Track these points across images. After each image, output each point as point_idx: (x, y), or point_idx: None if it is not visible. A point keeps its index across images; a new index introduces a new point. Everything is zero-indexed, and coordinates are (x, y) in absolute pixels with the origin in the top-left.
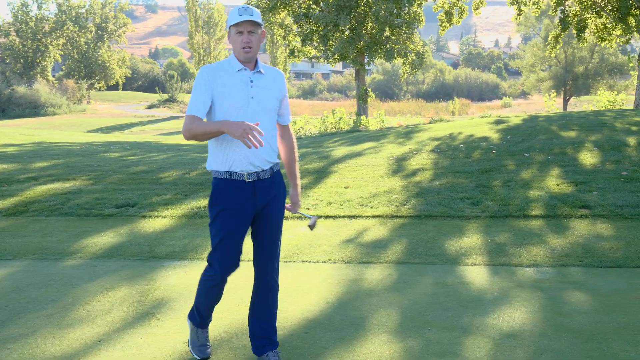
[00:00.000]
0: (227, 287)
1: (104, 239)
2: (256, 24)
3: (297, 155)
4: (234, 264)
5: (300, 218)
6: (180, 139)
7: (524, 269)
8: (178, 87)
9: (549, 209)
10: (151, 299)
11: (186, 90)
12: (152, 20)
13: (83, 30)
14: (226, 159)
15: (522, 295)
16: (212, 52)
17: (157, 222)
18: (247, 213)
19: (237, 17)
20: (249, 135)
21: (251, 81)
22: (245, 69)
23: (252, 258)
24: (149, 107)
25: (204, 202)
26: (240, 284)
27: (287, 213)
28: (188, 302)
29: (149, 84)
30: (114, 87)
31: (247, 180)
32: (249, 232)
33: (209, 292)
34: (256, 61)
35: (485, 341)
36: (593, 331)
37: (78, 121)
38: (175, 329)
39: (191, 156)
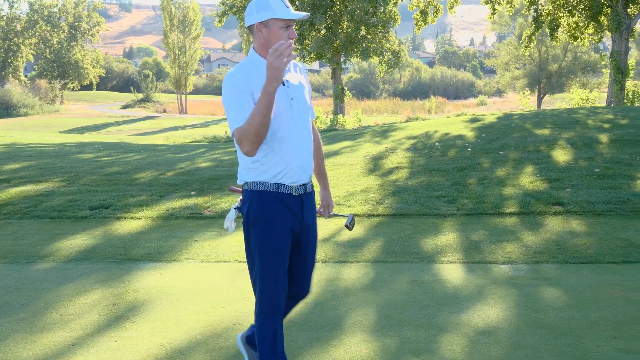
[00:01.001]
0: (203, 287)
1: (78, 242)
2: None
3: (323, 152)
4: (285, 291)
5: (332, 216)
6: (155, 139)
7: (499, 266)
8: (153, 87)
9: (523, 206)
10: (126, 302)
11: (161, 89)
12: (126, 19)
13: (56, 30)
14: (274, 169)
15: (497, 292)
16: (187, 51)
17: (131, 224)
18: (294, 231)
19: (286, 10)
20: (282, 53)
21: (286, 80)
22: None
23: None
24: (124, 107)
25: (179, 203)
26: (216, 285)
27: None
28: (163, 304)
29: (124, 84)
30: (88, 87)
31: (294, 194)
32: None
33: (275, 338)
34: None
35: (460, 338)
36: (566, 327)
37: (51, 122)
38: (150, 332)
39: (166, 156)
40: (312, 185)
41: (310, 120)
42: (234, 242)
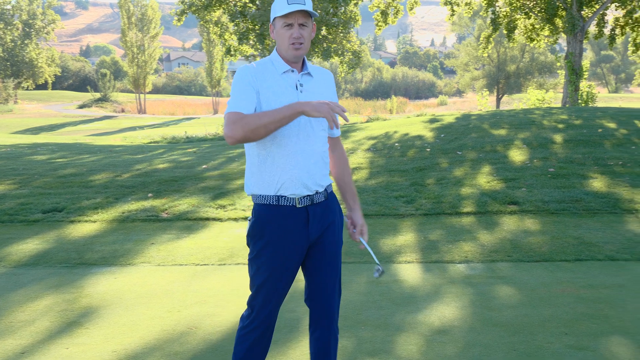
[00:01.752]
0: (159, 292)
1: (29, 246)
2: (308, 15)
3: (350, 170)
4: (278, 309)
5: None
6: (113, 140)
7: (456, 265)
8: (111, 86)
9: (480, 206)
10: (78, 308)
11: (119, 89)
12: (82, 17)
13: (9, 28)
14: (273, 179)
15: (453, 291)
16: (146, 49)
17: (86, 227)
18: (299, 246)
19: (286, 7)
20: (334, 111)
21: (300, 84)
22: (293, 71)
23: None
24: (81, 107)
25: (135, 206)
26: (173, 289)
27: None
28: (117, 309)
29: (80, 83)
30: (43, 87)
31: (298, 206)
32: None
33: (253, 348)
34: (303, 61)
35: (417, 338)
36: (519, 324)
37: (4, 122)
38: (103, 338)
39: (123, 158)
40: (325, 194)
41: (324, 133)
42: (191, 245)
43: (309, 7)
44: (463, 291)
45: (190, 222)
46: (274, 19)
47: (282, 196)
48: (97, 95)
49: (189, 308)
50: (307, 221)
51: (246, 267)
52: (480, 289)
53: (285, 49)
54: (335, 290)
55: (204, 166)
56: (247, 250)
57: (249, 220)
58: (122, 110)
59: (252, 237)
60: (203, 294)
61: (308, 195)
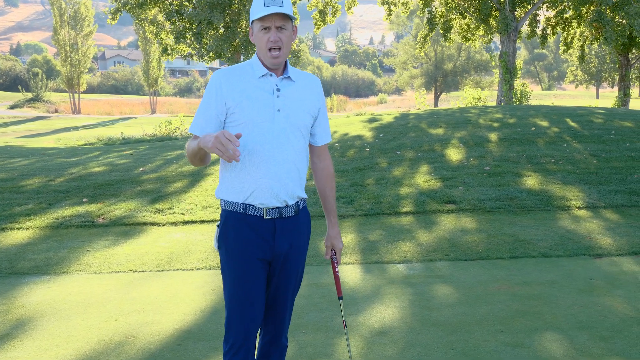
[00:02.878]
0: (95, 300)
1: None
2: (287, 18)
3: (334, 184)
4: (255, 325)
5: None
6: (46, 142)
7: (395, 266)
8: (43, 86)
9: (419, 205)
10: (10, 319)
11: (52, 88)
12: (12, 15)
13: None
14: (242, 187)
15: (392, 291)
16: (79, 48)
17: (17, 235)
18: (263, 258)
19: (262, 9)
20: (223, 146)
21: (278, 89)
22: (271, 75)
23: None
24: (12, 107)
25: (70, 211)
26: (109, 297)
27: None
28: (52, 320)
29: (11, 83)
30: None
31: (265, 217)
32: None
33: None
34: (285, 64)
35: (357, 340)
36: (457, 323)
37: None
38: (37, 351)
39: (57, 161)
40: (296, 209)
41: (303, 141)
42: (128, 252)
43: (287, 9)
44: (402, 291)
45: (127, 228)
46: (252, 22)
47: (250, 205)
48: (29, 95)
49: (127, 317)
50: (273, 234)
51: (185, 273)
52: (419, 288)
53: (263, 53)
54: (292, 306)
55: (141, 169)
56: (186, 255)
57: (218, 225)
58: (56, 111)
59: (220, 244)
60: (141, 302)
61: (277, 207)
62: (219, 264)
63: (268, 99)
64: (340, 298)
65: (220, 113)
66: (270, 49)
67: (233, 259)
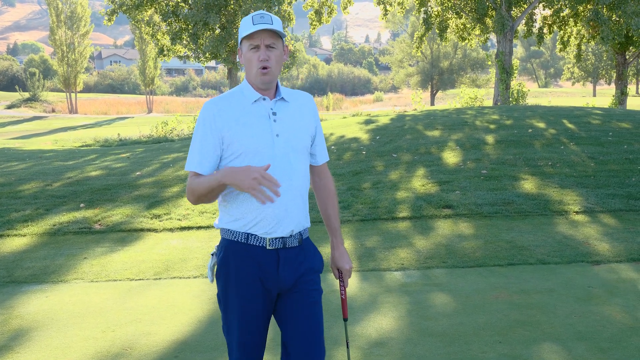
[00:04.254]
0: (92, 310)
1: None
2: (277, 36)
3: (337, 202)
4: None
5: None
6: (43, 143)
7: (392, 273)
8: (40, 85)
9: (415, 210)
10: (8, 330)
11: (49, 88)
12: (9, 14)
13: None
14: (246, 217)
15: (390, 300)
16: (76, 48)
17: (14, 242)
18: (268, 291)
19: (251, 27)
20: (262, 185)
21: (274, 113)
22: (264, 99)
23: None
24: (9, 107)
25: (67, 217)
26: (106, 307)
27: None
28: (49, 331)
29: (8, 82)
30: None
31: (268, 248)
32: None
33: None
34: (277, 86)
35: (355, 352)
36: (455, 334)
37: None
38: None
39: (54, 164)
40: (300, 239)
41: (305, 164)
42: (125, 259)
43: (276, 26)
44: (400, 300)
45: (124, 234)
46: (241, 41)
47: (252, 234)
48: (26, 95)
49: (124, 327)
50: (277, 265)
51: (182, 281)
52: (417, 297)
53: (253, 74)
54: (319, 347)
55: (137, 173)
56: (183, 263)
57: (213, 255)
58: (53, 110)
59: (218, 276)
60: (138, 312)
61: (281, 237)
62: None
63: (265, 124)
64: (345, 320)
65: (218, 146)
66: (260, 69)
67: (239, 289)
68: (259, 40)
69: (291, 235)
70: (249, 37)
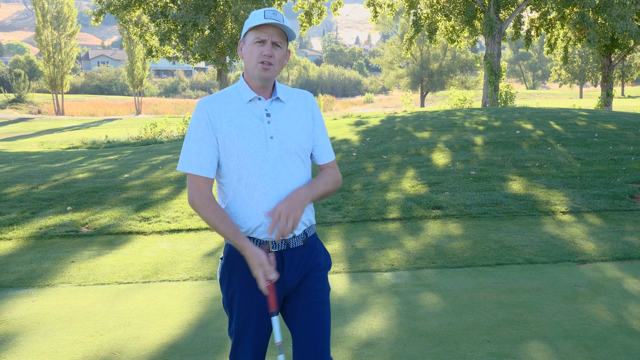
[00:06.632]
0: (80, 314)
1: None
2: (284, 36)
3: (331, 181)
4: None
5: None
6: (29, 145)
7: (382, 274)
8: (26, 87)
9: (405, 211)
10: None
11: (35, 89)
12: None
13: None
14: (245, 222)
15: (380, 301)
16: (63, 48)
17: (0, 246)
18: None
19: (261, 19)
20: (264, 281)
21: (268, 114)
22: (260, 98)
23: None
24: None
25: (54, 220)
26: (94, 311)
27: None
28: (36, 335)
29: None
30: None
31: (271, 250)
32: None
33: None
34: (274, 85)
35: (344, 352)
36: (444, 333)
37: None
38: None
39: (40, 167)
40: (304, 238)
41: (302, 166)
42: (113, 262)
43: (286, 25)
44: (389, 300)
45: (112, 237)
46: (246, 33)
47: (254, 239)
48: (11, 96)
49: (112, 331)
50: (282, 267)
51: (172, 284)
52: (406, 297)
53: (252, 66)
54: (326, 342)
55: (126, 175)
56: (172, 266)
57: (221, 259)
58: (39, 112)
59: (222, 281)
60: (127, 315)
61: (283, 240)
62: (206, 275)
63: (258, 126)
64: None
65: (215, 146)
66: (261, 62)
67: (244, 294)
68: (266, 35)
69: (294, 236)
70: (256, 29)
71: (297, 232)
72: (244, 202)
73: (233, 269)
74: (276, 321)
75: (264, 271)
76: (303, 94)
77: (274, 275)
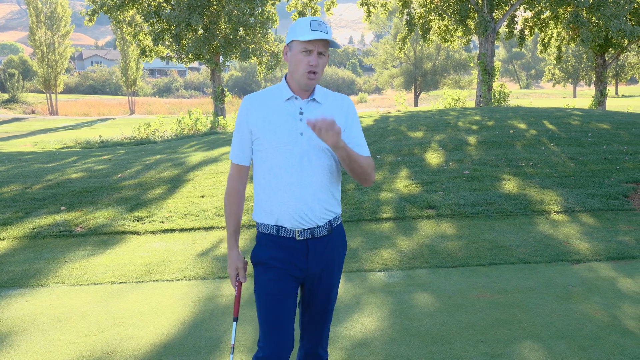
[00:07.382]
0: (73, 314)
1: None
2: (327, 45)
3: (367, 163)
4: (288, 342)
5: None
6: (22, 145)
7: (376, 274)
8: (20, 87)
9: (399, 211)
10: None
11: (29, 89)
12: None
13: None
14: (272, 210)
15: (373, 301)
16: (56, 48)
17: None
18: (297, 277)
19: (309, 32)
20: (234, 282)
21: (301, 112)
22: (297, 98)
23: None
24: None
25: (47, 220)
26: (88, 310)
27: None
28: (29, 335)
29: None
30: None
31: (298, 239)
32: None
33: None
34: (314, 87)
35: (338, 353)
36: (438, 333)
37: None
38: None
39: (34, 167)
40: (329, 228)
41: (327, 163)
42: (106, 262)
43: (330, 36)
44: (383, 300)
45: (105, 237)
46: (292, 41)
47: (281, 227)
48: (5, 96)
49: (106, 331)
50: (306, 255)
51: (165, 284)
52: (400, 297)
53: (300, 74)
54: (328, 319)
55: (119, 175)
56: (166, 266)
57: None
58: (33, 112)
59: (255, 265)
60: (120, 315)
61: (309, 228)
62: (200, 275)
63: (291, 122)
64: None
65: (249, 139)
66: (309, 72)
67: (271, 274)
68: (313, 46)
69: (318, 227)
70: (306, 41)
71: (321, 223)
72: (272, 191)
73: (263, 252)
74: (234, 327)
75: (239, 275)
76: (340, 97)
77: (244, 280)
